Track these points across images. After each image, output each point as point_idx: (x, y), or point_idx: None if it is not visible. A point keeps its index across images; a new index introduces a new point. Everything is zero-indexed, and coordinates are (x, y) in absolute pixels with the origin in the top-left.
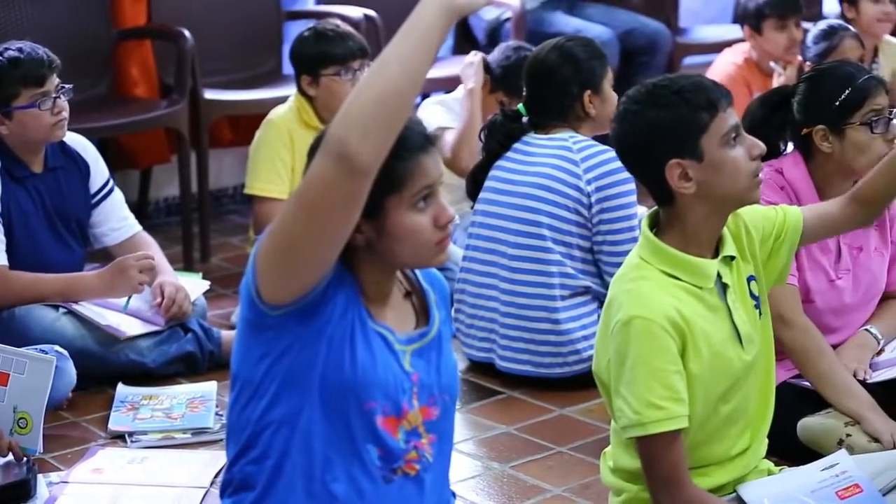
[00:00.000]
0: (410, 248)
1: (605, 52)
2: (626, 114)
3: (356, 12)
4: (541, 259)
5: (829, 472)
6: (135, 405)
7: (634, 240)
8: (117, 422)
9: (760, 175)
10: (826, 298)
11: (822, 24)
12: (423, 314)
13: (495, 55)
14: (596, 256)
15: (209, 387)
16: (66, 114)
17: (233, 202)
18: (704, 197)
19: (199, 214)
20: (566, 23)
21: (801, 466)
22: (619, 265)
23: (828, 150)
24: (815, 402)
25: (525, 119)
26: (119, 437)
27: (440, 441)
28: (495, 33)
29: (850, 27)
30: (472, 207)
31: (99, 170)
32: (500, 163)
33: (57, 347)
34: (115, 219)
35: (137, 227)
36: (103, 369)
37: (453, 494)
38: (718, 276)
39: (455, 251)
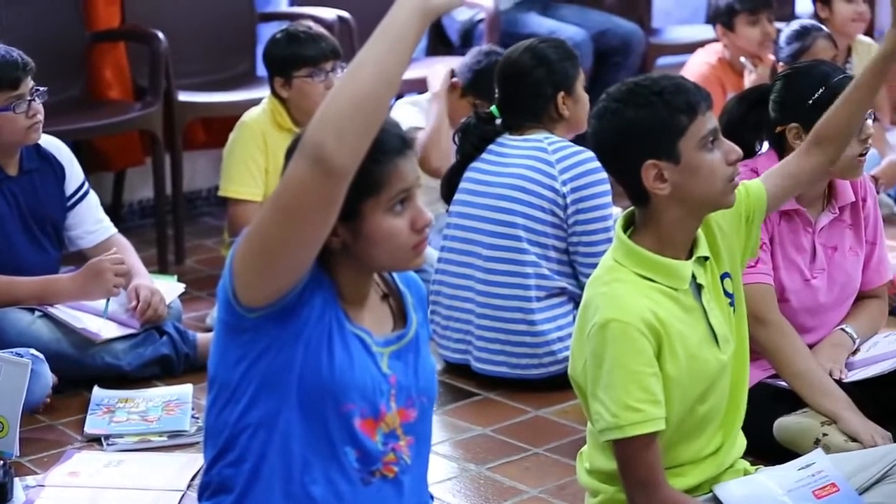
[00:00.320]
0: (387, 251)
1: (577, 53)
2: (606, 111)
3: (330, 14)
4: (516, 260)
5: (805, 472)
6: (111, 408)
7: (610, 240)
8: (93, 425)
9: (736, 180)
10: (801, 298)
11: (794, 25)
12: (400, 316)
13: (467, 60)
14: (571, 257)
15: (185, 389)
16: (40, 116)
17: (207, 204)
18: (679, 199)
19: (174, 217)
20: (539, 24)
21: (778, 466)
22: (594, 266)
23: None
24: (792, 401)
25: (498, 121)
26: (95, 441)
27: (418, 443)
28: (469, 34)
29: (824, 27)
30: (446, 210)
31: (74, 172)
32: (474, 164)
33: (32, 351)
34: (91, 221)
35: (113, 230)
36: (79, 372)
37: (431, 497)
38: (693, 276)
39: (430, 253)
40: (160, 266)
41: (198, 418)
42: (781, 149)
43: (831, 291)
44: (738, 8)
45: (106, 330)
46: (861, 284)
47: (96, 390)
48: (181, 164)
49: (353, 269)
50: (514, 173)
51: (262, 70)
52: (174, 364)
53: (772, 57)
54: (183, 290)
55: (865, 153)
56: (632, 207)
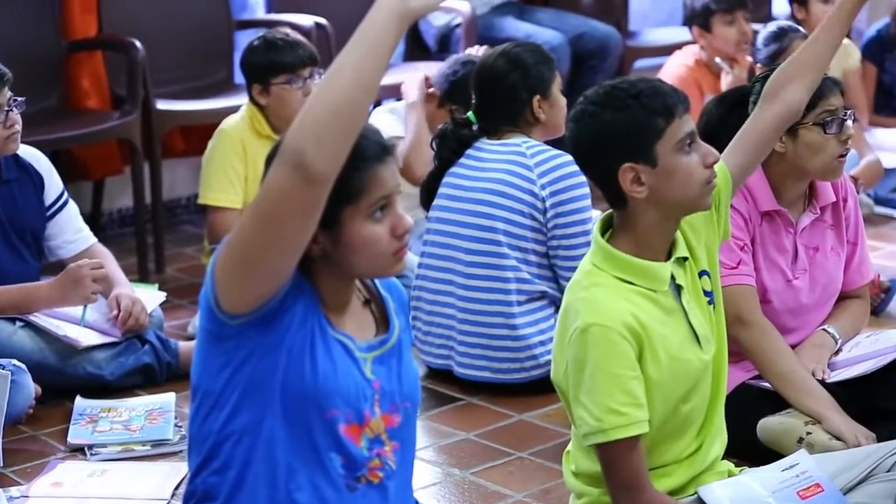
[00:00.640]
0: (367, 258)
1: (553, 56)
2: (583, 114)
3: (307, 20)
4: (496, 265)
5: (789, 473)
6: (93, 418)
7: (589, 244)
8: (76, 435)
9: (714, 182)
10: (783, 298)
11: (771, 26)
12: (382, 322)
13: (444, 70)
14: (551, 261)
15: (168, 398)
16: (18, 127)
17: (187, 212)
18: (656, 202)
19: (153, 225)
20: (516, 28)
21: (762, 467)
22: (574, 269)
23: (781, 150)
24: (775, 402)
25: (475, 126)
26: (78, 451)
27: (403, 448)
28: (446, 39)
29: (801, 28)
30: (426, 216)
31: (53, 182)
32: (452, 170)
33: (15, 361)
34: (70, 231)
35: (93, 239)
36: (61, 382)
37: (416, 502)
38: (672, 277)
39: (410, 258)
40: (140, 275)
41: (181, 427)
42: None
43: (813, 292)
44: (713, 8)
45: (87, 338)
46: (843, 285)
47: (79, 400)
48: (160, 173)
49: (334, 275)
50: (493, 178)
51: (239, 77)
52: (156, 373)
53: (749, 58)
54: (164, 298)
55: (846, 154)
56: (610, 211)
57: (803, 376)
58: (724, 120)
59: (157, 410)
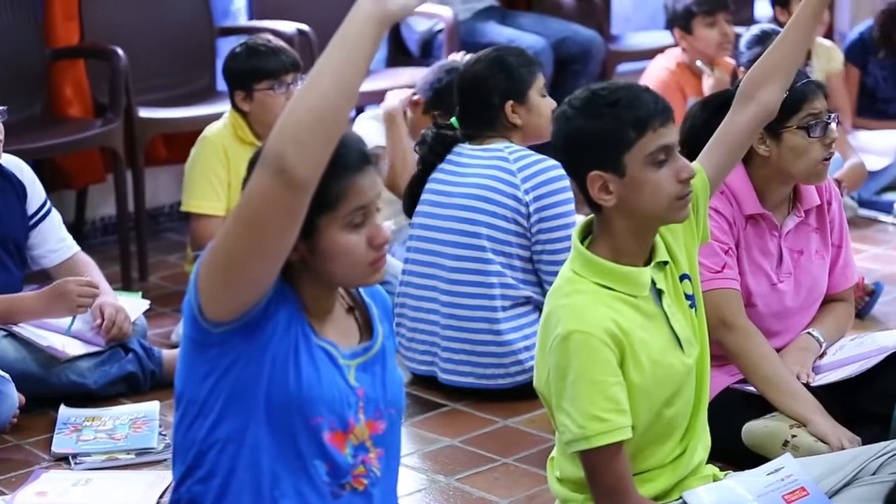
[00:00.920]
0: (343, 267)
1: (535, 60)
2: (562, 116)
3: (289, 27)
4: (480, 270)
5: (774, 477)
6: (78, 427)
7: None
8: (61, 444)
9: (688, 197)
10: (768, 302)
11: (754, 29)
12: (366, 329)
13: (428, 77)
14: (536, 266)
15: (152, 407)
16: (1, 136)
17: (170, 220)
18: (625, 211)
19: (137, 233)
20: (499, 33)
21: (747, 471)
22: (558, 274)
23: (765, 154)
24: (760, 406)
25: (459, 132)
26: (63, 460)
27: (387, 455)
28: (428, 45)
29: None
30: (409, 223)
31: (36, 191)
32: (435, 175)
33: None
34: (54, 240)
35: (76, 248)
36: (45, 391)
37: None
38: (653, 282)
39: (395, 264)
40: (124, 283)
41: (165, 435)
42: (746, 155)
43: (798, 295)
44: (695, 10)
45: (71, 347)
46: (827, 288)
47: (63, 409)
48: (143, 181)
49: (315, 283)
50: (476, 183)
51: (222, 84)
52: (140, 381)
53: (731, 61)
54: (147, 306)
55: (830, 157)
56: (590, 216)
57: (788, 380)
58: (708, 124)
59: (142, 419)
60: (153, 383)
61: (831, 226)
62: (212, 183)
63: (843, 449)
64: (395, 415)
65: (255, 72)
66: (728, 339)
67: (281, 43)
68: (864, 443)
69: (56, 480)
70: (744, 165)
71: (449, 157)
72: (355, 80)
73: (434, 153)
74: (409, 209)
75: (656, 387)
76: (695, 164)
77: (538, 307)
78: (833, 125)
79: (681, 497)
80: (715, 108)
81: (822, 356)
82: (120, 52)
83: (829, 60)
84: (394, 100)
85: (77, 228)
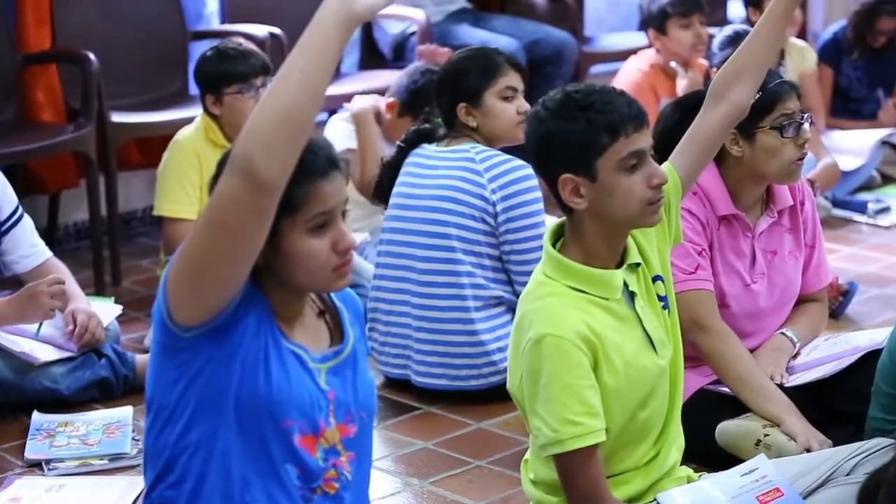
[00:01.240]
0: (305, 271)
1: (498, 63)
2: (535, 117)
3: (261, 30)
4: (451, 271)
5: (749, 478)
6: (51, 433)
7: (542, 248)
8: (34, 450)
9: (659, 202)
10: (741, 303)
11: (727, 30)
12: (337, 332)
13: (403, 81)
14: (505, 266)
15: (125, 412)
16: None
17: (142, 224)
18: (596, 215)
19: (109, 238)
20: (472, 35)
21: (721, 472)
22: (528, 273)
23: (738, 154)
24: (733, 407)
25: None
26: (36, 466)
27: (359, 458)
28: (401, 48)
29: None
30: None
31: (7, 197)
32: (403, 178)
33: None
34: (26, 246)
35: (48, 254)
36: (18, 397)
37: None
38: (625, 284)
39: (367, 267)
40: (97, 288)
41: (138, 440)
42: (719, 154)
43: (771, 296)
44: (670, 12)
45: (44, 353)
46: (801, 288)
47: (36, 415)
48: (116, 185)
49: (282, 286)
50: (445, 184)
51: (194, 88)
52: (113, 386)
53: (704, 62)
54: (120, 311)
55: (803, 157)
56: (562, 219)
57: (762, 380)
58: (681, 124)
59: (115, 424)
60: (126, 388)
61: (804, 226)
62: (184, 187)
63: (808, 450)
64: (367, 418)
65: (225, 76)
66: (702, 340)
67: (251, 46)
68: (839, 443)
69: (29, 486)
70: (717, 166)
71: (415, 159)
72: (322, 81)
73: (408, 143)
74: (381, 195)
75: (630, 389)
76: (666, 165)
77: (510, 307)
78: (806, 125)
79: (655, 499)
80: (687, 108)
81: (795, 356)
82: (92, 56)
83: (802, 60)
84: (363, 102)
85: (50, 234)
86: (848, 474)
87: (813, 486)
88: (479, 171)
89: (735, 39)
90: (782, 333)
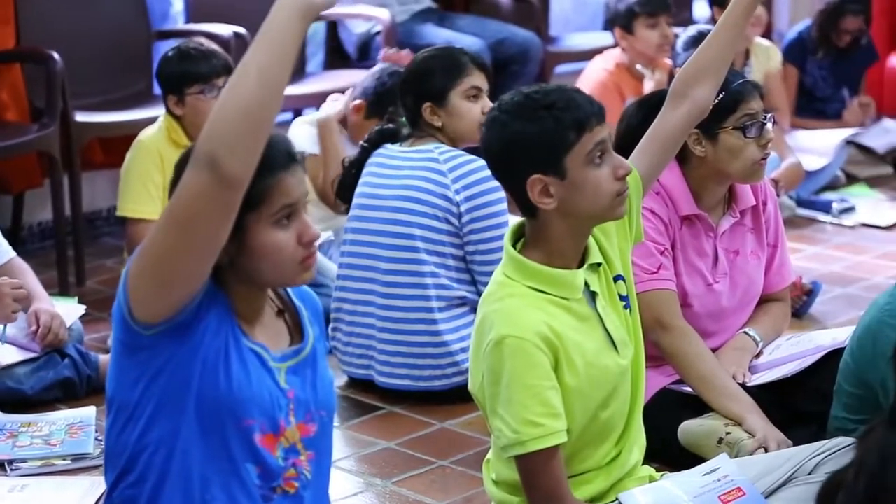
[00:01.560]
0: (272, 265)
1: (463, 62)
2: (494, 122)
3: (226, 30)
4: (415, 272)
5: (711, 477)
6: (14, 433)
7: None
8: None
9: (625, 194)
10: (704, 303)
11: (692, 30)
12: (296, 331)
13: (369, 83)
14: (469, 266)
15: (88, 412)
16: None
17: (107, 224)
18: (566, 213)
19: (74, 238)
20: (436, 35)
21: (683, 472)
22: (492, 273)
23: (701, 154)
24: (696, 407)
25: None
26: None
27: (318, 458)
28: (366, 47)
29: None
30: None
31: None
32: (367, 178)
33: None
34: None
35: (12, 254)
36: None
37: None
38: (586, 284)
39: (331, 268)
40: (61, 288)
41: (101, 440)
42: (682, 154)
43: (734, 295)
44: (637, 11)
45: (6, 355)
46: (763, 287)
47: None
48: (80, 185)
49: (245, 284)
50: (408, 185)
51: (159, 88)
52: (77, 386)
53: (669, 62)
54: (83, 311)
55: (766, 157)
56: (521, 220)
57: (724, 379)
58: (644, 123)
59: (78, 424)
60: (89, 388)
61: (767, 226)
62: (147, 187)
63: (765, 448)
64: (327, 417)
65: (187, 76)
66: (664, 340)
67: (213, 46)
68: (801, 442)
69: None
70: (680, 166)
71: (378, 159)
72: (282, 75)
73: (371, 142)
74: (343, 195)
75: (591, 389)
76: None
77: (474, 308)
78: (769, 125)
79: (617, 499)
80: (650, 107)
81: (758, 356)
82: (56, 56)
83: (767, 60)
84: (330, 108)
85: (14, 234)
86: (810, 473)
87: (775, 486)
88: (442, 172)
89: (699, 39)
90: (745, 333)
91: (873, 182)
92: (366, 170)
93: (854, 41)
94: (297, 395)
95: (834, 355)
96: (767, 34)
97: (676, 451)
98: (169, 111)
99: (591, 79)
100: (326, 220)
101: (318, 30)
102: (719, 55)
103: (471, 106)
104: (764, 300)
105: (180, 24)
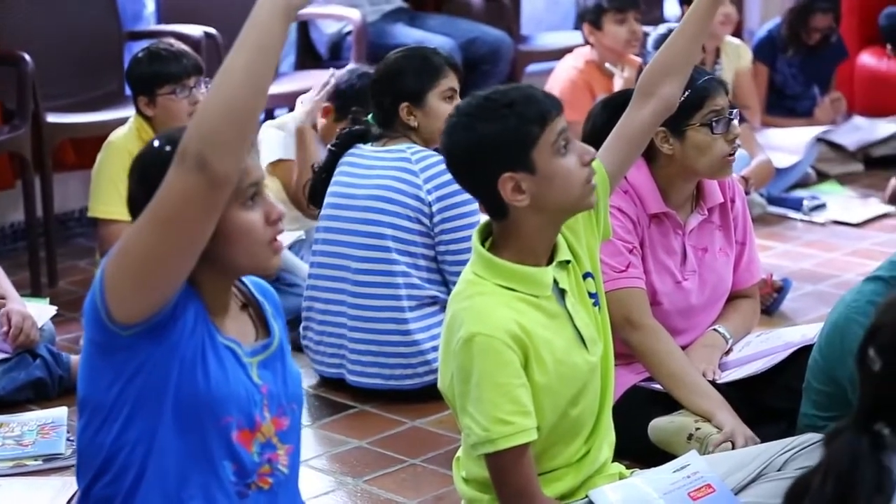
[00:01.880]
0: (245, 247)
1: (440, 64)
2: (456, 127)
3: (196, 30)
4: (386, 271)
5: (681, 474)
6: None
7: None
8: None
9: (593, 181)
10: (673, 300)
11: (662, 28)
12: (261, 325)
13: (340, 85)
14: (440, 266)
15: (60, 412)
16: None
17: (79, 225)
18: (539, 208)
19: (46, 239)
20: (407, 35)
21: (653, 469)
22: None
23: (669, 152)
24: (666, 404)
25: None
26: None
27: (294, 452)
28: (337, 47)
29: None
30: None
31: None
32: (339, 178)
33: None
34: None
35: None
36: None
37: None
38: (555, 282)
39: (302, 267)
40: (33, 289)
41: (73, 441)
42: (649, 152)
43: (702, 293)
44: (606, 6)
45: None
46: (732, 285)
47: None
48: (51, 186)
49: (215, 275)
50: (380, 184)
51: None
52: (48, 387)
53: (638, 59)
54: (54, 312)
55: (734, 153)
56: (486, 220)
57: (693, 377)
58: (610, 123)
59: (50, 425)
60: (61, 389)
61: (735, 223)
62: (118, 188)
63: (732, 443)
64: (297, 409)
65: (157, 77)
66: (633, 338)
67: (183, 47)
68: (769, 439)
69: None
70: (648, 164)
71: (350, 158)
72: (265, 74)
73: (340, 145)
74: (314, 198)
75: (561, 386)
76: (596, 162)
77: (445, 307)
78: (735, 121)
79: (587, 496)
80: (616, 106)
81: (728, 353)
82: (27, 57)
83: (738, 58)
84: (304, 113)
85: None
86: (779, 469)
87: (745, 482)
88: (414, 172)
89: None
90: (714, 330)
91: (844, 179)
92: (338, 169)
93: (824, 39)
94: (270, 390)
95: (803, 352)
96: (738, 33)
97: (646, 448)
98: (139, 112)
99: (561, 77)
100: (298, 220)
101: (290, 30)
102: (685, 51)
103: (448, 107)
104: (733, 297)
105: (151, 25)
